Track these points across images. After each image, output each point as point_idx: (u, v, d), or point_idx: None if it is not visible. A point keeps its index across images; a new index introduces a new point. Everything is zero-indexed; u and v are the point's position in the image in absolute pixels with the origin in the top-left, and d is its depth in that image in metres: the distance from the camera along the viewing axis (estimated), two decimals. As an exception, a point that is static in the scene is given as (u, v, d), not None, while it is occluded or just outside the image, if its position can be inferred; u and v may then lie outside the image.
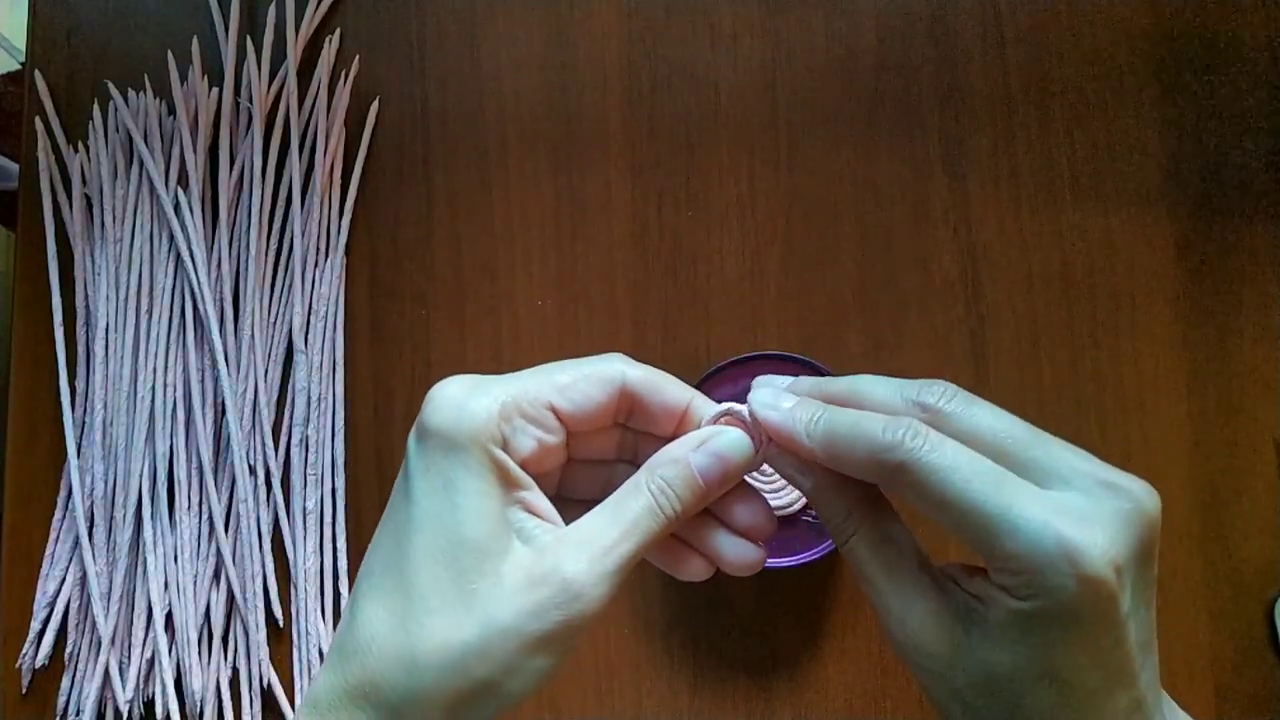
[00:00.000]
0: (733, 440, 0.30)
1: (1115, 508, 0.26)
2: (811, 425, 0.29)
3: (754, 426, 0.30)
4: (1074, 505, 0.26)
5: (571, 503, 0.32)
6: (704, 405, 0.31)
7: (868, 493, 0.30)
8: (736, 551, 0.31)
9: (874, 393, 0.30)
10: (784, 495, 0.43)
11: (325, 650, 0.48)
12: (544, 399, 0.30)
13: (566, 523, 0.30)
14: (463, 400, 0.29)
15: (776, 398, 0.30)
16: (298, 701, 0.48)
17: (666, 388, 0.31)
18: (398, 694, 0.28)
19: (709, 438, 0.30)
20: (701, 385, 0.44)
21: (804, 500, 0.43)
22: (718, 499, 0.31)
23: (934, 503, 0.27)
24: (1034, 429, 0.28)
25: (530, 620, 0.27)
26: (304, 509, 0.49)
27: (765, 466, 0.40)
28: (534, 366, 0.31)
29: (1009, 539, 0.26)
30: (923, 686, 0.30)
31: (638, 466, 0.31)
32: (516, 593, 0.28)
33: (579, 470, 0.33)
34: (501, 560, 0.28)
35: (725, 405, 0.31)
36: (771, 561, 0.43)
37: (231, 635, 0.48)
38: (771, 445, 0.30)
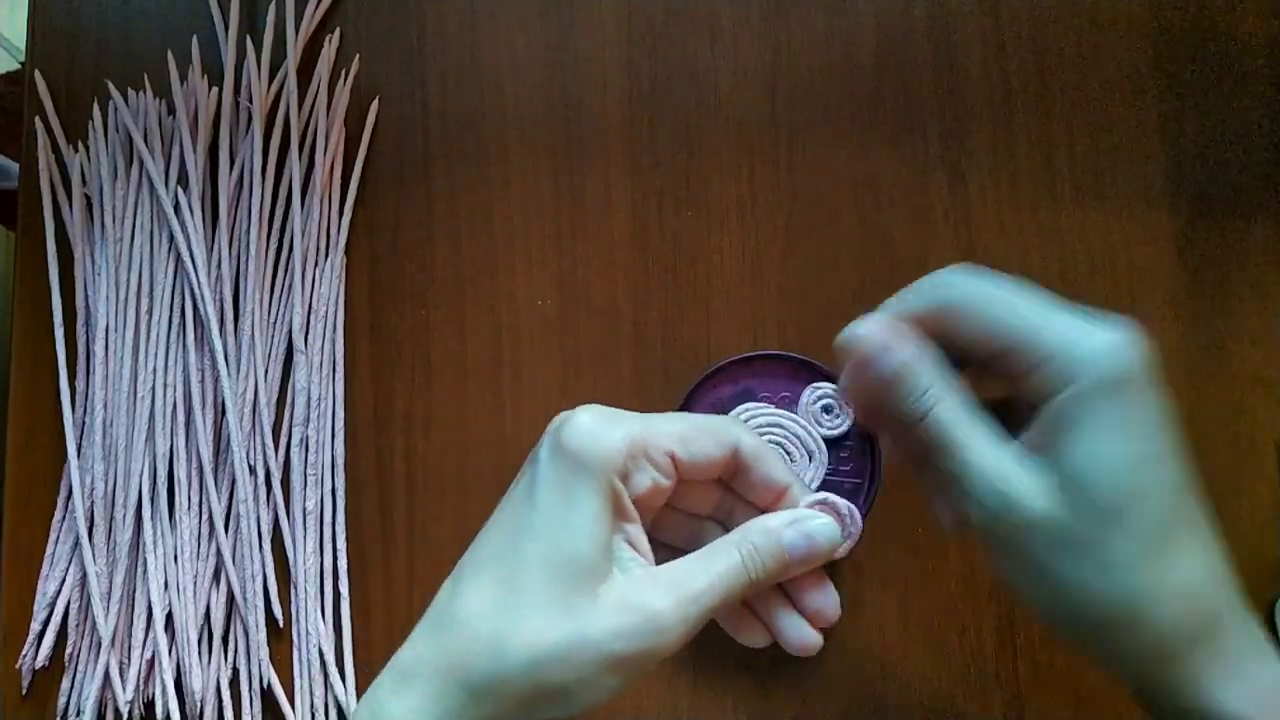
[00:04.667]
0: (823, 526, 0.33)
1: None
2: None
3: (845, 519, 0.33)
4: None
5: (657, 544, 0.34)
6: (802, 491, 0.34)
7: (945, 366, 0.33)
8: (798, 633, 0.33)
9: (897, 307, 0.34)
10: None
11: (325, 650, 0.48)
12: (667, 446, 0.32)
13: (656, 563, 0.32)
14: (597, 429, 0.31)
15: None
16: (298, 702, 0.48)
17: (773, 465, 0.33)
18: (482, 675, 0.30)
19: (804, 519, 0.33)
20: (702, 385, 0.44)
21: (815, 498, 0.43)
22: (795, 579, 0.33)
23: (981, 328, 0.32)
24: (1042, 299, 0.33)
25: (615, 641, 0.30)
26: (304, 509, 0.49)
27: (792, 439, 0.41)
28: (662, 413, 0.33)
29: (1047, 331, 0.31)
30: (1012, 571, 0.32)
31: (727, 527, 0.33)
32: (609, 614, 0.30)
33: (673, 517, 0.35)
34: (601, 582, 0.30)
35: (822, 495, 0.34)
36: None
37: (231, 635, 0.48)
38: (857, 535, 0.34)
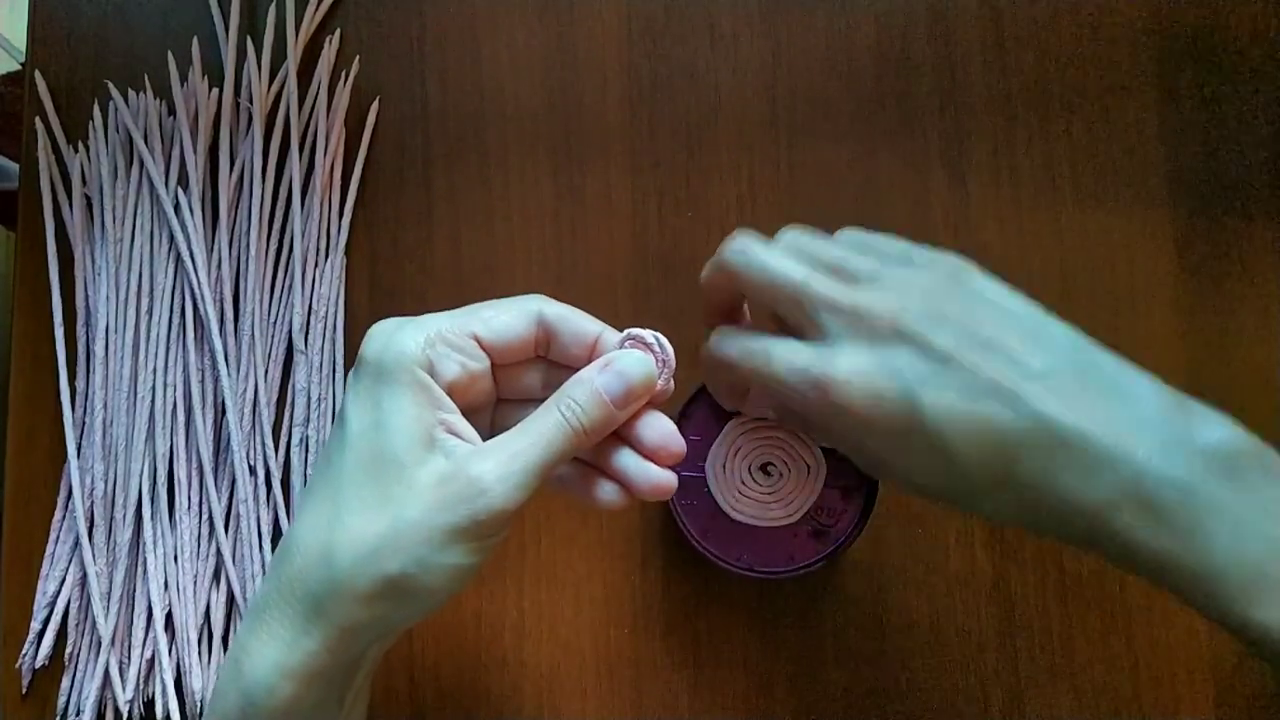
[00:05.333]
0: (634, 360, 0.33)
1: (853, 338, 0.32)
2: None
3: (655, 350, 0.34)
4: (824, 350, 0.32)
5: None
6: (613, 336, 0.34)
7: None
8: (645, 474, 0.33)
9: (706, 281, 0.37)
10: (782, 505, 0.43)
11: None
12: (467, 329, 0.33)
13: None
14: (392, 331, 0.32)
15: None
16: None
17: (578, 319, 0.34)
18: (319, 585, 0.30)
19: (614, 359, 0.33)
20: (701, 392, 0.44)
21: (805, 508, 0.43)
22: (627, 423, 0.34)
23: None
24: (813, 283, 0.33)
25: (436, 514, 0.30)
26: (304, 509, 0.49)
27: (764, 478, 0.41)
28: (473, 304, 0.34)
29: (777, 381, 0.33)
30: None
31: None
32: (426, 491, 0.30)
33: (511, 411, 0.35)
34: (418, 470, 0.31)
35: (629, 330, 0.34)
36: (771, 571, 0.43)
37: (231, 635, 0.48)
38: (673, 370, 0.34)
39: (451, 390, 0.32)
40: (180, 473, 0.48)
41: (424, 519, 0.30)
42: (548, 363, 0.35)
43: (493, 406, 0.35)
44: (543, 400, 0.33)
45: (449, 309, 0.51)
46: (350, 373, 0.33)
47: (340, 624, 0.30)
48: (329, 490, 0.31)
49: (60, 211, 0.52)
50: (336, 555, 0.30)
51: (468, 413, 0.33)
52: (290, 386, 0.50)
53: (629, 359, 0.33)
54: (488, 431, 0.34)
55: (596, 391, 0.32)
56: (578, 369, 0.33)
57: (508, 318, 0.33)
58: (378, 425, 0.31)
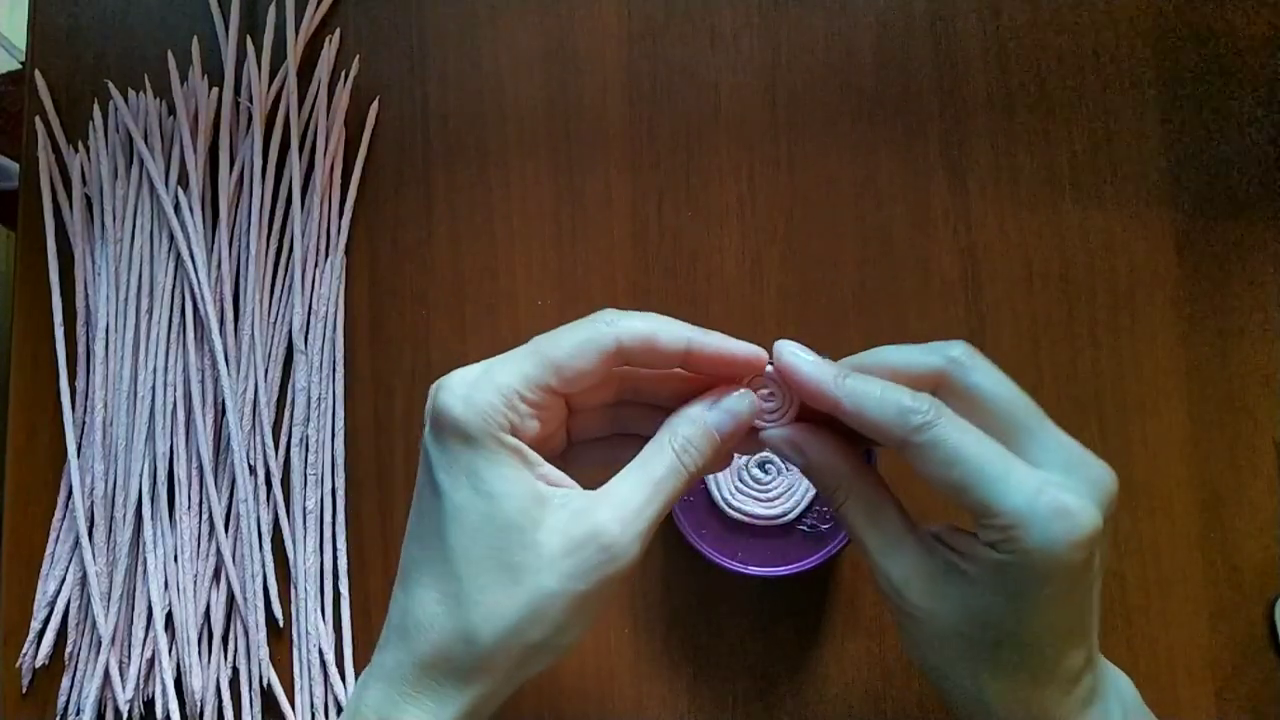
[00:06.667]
0: (738, 397, 0.33)
1: (1090, 482, 0.30)
2: (839, 378, 0.31)
3: (782, 385, 0.33)
4: (1059, 479, 0.30)
5: (579, 445, 0.35)
6: (704, 339, 0.32)
7: (855, 465, 0.33)
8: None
9: (898, 355, 0.32)
10: (779, 504, 0.43)
11: (325, 650, 0.48)
12: (543, 383, 0.31)
13: (576, 475, 0.32)
14: (468, 395, 0.31)
15: (802, 349, 0.33)
16: (298, 702, 0.48)
17: (659, 340, 0.32)
18: (464, 661, 0.31)
19: (721, 396, 0.33)
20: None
21: (800, 509, 0.43)
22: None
23: (942, 460, 0.30)
24: (1031, 401, 0.32)
25: (574, 582, 0.30)
26: (304, 509, 0.49)
27: (762, 476, 0.41)
28: (530, 341, 0.32)
29: (1004, 498, 0.29)
30: (907, 635, 0.33)
31: (640, 401, 0.34)
32: (558, 558, 0.30)
33: (583, 418, 0.35)
34: (536, 531, 0.30)
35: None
36: (768, 570, 0.43)
37: (231, 635, 0.48)
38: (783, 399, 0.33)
39: (534, 444, 0.32)
40: (180, 473, 0.49)
41: (561, 588, 0.30)
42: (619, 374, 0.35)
43: (564, 423, 0.35)
44: (616, 403, 0.34)
45: (449, 309, 0.51)
46: (429, 437, 0.32)
47: (485, 691, 0.31)
48: (444, 566, 0.31)
49: (60, 211, 0.52)
50: (479, 634, 0.30)
51: (544, 452, 0.33)
52: (290, 386, 0.50)
53: (738, 396, 0.33)
54: (561, 446, 0.35)
55: (709, 431, 0.32)
56: (665, 373, 0.34)
57: (582, 364, 0.31)
58: (482, 494, 0.30)
